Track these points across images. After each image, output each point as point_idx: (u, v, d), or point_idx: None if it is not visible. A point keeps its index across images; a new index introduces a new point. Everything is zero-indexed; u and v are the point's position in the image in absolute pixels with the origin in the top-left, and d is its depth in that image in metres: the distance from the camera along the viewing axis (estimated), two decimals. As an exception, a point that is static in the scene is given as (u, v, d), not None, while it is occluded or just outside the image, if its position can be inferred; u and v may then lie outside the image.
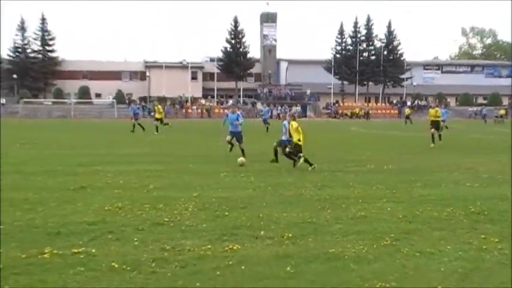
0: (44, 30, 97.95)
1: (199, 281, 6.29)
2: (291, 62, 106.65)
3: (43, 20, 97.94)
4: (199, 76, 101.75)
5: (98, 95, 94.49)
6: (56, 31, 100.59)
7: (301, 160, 16.93)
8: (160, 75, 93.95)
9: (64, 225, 8.99)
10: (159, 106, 38.86)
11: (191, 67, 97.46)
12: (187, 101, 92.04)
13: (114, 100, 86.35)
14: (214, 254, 7.36)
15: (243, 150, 20.18)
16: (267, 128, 40.36)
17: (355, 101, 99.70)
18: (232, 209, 10.49)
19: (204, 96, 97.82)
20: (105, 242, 7.98)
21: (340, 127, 54.78)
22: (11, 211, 10.08)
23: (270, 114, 56.34)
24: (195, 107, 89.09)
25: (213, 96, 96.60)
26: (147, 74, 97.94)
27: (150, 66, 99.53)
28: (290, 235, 8.43)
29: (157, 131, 36.08)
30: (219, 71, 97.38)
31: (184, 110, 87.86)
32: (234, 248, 7.66)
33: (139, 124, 37.47)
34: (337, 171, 16.45)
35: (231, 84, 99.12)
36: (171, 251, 7.51)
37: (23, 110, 77.80)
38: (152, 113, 50.97)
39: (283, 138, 18.22)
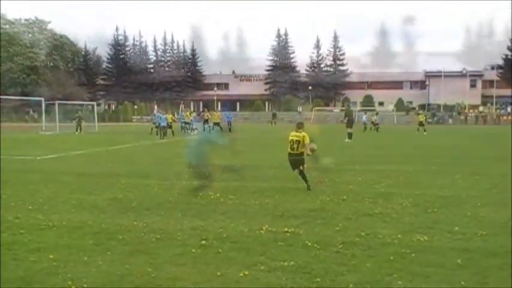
0: (335, 47, 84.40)
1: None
2: None
3: (335, 38, 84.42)
4: (479, 84, 78.43)
5: (381, 103, 77.56)
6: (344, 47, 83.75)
7: None
8: (439, 83, 74.43)
9: None
10: None
11: (470, 75, 76.76)
12: (465, 108, 70.73)
13: (394, 108, 69.03)
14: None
15: None
16: None
17: None
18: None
19: (483, 103, 74.29)
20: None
21: None
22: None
23: None
24: (472, 114, 66.64)
25: (492, 103, 72.64)
26: (427, 82, 79.45)
27: (429, 75, 79.78)
28: None
29: None
30: (498, 78, 73.52)
31: (461, 117, 66.12)
32: None
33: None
34: None
35: (509, 92, 72.66)
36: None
37: (316, 116, 64.38)
38: None
39: None
